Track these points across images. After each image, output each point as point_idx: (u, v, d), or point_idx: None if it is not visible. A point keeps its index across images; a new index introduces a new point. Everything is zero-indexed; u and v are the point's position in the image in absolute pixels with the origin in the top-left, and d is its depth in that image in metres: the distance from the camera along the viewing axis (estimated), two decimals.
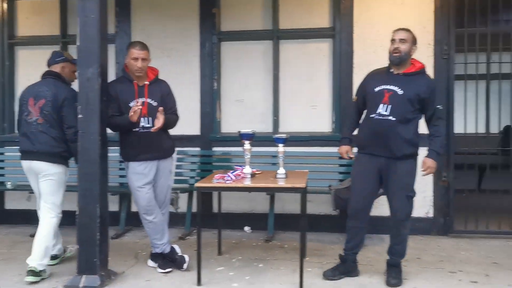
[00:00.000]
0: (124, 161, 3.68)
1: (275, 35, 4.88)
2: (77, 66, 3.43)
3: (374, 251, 4.12)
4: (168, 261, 3.70)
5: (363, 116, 3.51)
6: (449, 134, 4.56)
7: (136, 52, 3.51)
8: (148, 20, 4.97)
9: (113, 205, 5.00)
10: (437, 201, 4.63)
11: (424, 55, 4.52)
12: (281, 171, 3.55)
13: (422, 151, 3.39)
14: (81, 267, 3.40)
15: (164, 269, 3.65)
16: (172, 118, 3.69)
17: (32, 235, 4.64)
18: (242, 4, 4.95)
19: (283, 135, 3.56)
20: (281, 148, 3.55)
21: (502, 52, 4.59)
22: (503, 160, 4.81)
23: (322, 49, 4.88)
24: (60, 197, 3.65)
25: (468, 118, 4.62)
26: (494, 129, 6.30)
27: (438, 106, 3.37)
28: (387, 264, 3.49)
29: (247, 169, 3.57)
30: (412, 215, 4.47)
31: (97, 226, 3.38)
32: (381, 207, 4.07)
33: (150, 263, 3.81)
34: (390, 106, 3.25)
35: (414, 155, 3.37)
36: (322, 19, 4.82)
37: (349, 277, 3.51)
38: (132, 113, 3.39)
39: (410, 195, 3.35)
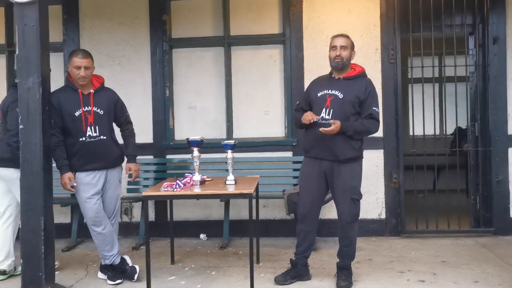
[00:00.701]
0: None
1: (226, 42, 4.89)
2: (17, 75, 3.34)
3: (328, 254, 4.16)
4: (118, 272, 3.63)
5: None
6: (398, 135, 4.68)
7: (78, 60, 3.44)
8: (97, 28, 4.89)
9: (65, 217, 4.89)
10: (388, 203, 4.73)
11: (372, 60, 4.65)
12: (231, 177, 3.55)
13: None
14: (25, 282, 3.29)
15: (114, 281, 3.58)
16: (131, 134, 3.81)
17: None
18: (193, 11, 4.94)
19: (231, 141, 3.57)
20: (229, 154, 3.55)
21: (447, 55, 4.75)
22: (452, 160, 4.94)
23: (273, 55, 4.92)
24: None
25: (416, 120, 4.72)
26: (447, 131, 6.51)
27: (375, 108, 3.36)
28: (337, 267, 3.52)
29: (197, 176, 3.55)
30: (365, 217, 4.64)
31: (41, 239, 3.28)
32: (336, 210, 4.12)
33: (100, 275, 3.73)
34: (332, 110, 3.32)
35: (357, 158, 3.41)
36: (272, 25, 4.86)
37: (300, 281, 3.54)
38: (65, 187, 3.49)
39: (355, 197, 3.38)
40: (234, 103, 4.95)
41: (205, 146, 3.65)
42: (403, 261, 3.99)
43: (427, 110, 4.69)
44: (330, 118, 3.31)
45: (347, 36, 3.42)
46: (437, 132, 4.94)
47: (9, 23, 5.08)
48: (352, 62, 3.45)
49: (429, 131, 4.84)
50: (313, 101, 3.45)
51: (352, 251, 3.48)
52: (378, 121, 3.38)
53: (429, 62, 4.77)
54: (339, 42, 3.35)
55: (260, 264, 3.95)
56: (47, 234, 3.32)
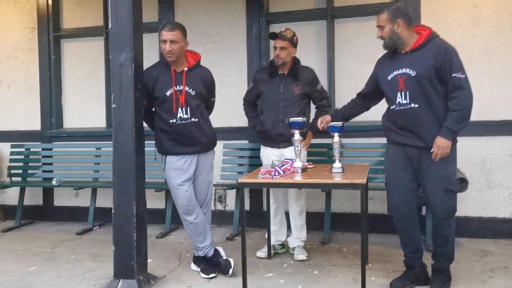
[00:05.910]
0: (160, 155, 3.36)
1: (330, 14, 4.38)
2: (110, 51, 3.16)
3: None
4: (211, 265, 3.35)
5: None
6: None
7: (164, 33, 3.16)
8: (191, 6, 4.65)
9: (160, 202, 4.76)
10: None
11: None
12: (337, 164, 3.08)
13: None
14: (117, 270, 3.14)
15: (208, 275, 3.31)
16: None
17: (79, 233, 4.52)
18: None
19: (339, 123, 3.09)
20: (336, 138, 3.09)
21: None
22: None
23: None
24: None
25: None
26: None
27: (456, 74, 2.71)
28: (432, 270, 3.02)
29: (298, 163, 3.13)
30: (495, 216, 3.96)
31: (133, 226, 3.10)
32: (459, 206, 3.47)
33: (193, 266, 3.48)
34: (408, 92, 2.81)
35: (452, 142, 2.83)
36: None
37: (419, 285, 3.00)
38: None
39: (449, 188, 2.85)
40: (337, 81, 4.44)
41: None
42: None
43: None
44: (408, 102, 2.80)
45: (383, 12, 2.98)
46: None
47: (107, 5, 5.00)
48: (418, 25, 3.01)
49: None
50: (384, 87, 2.95)
51: (448, 251, 2.97)
52: (465, 88, 2.72)
53: None
54: (378, 21, 2.98)
55: (370, 265, 3.42)
56: (139, 221, 3.13)
